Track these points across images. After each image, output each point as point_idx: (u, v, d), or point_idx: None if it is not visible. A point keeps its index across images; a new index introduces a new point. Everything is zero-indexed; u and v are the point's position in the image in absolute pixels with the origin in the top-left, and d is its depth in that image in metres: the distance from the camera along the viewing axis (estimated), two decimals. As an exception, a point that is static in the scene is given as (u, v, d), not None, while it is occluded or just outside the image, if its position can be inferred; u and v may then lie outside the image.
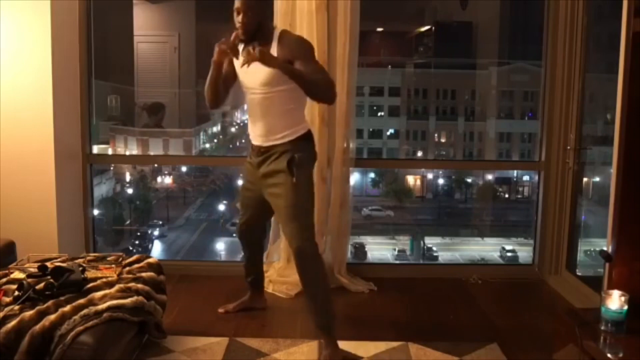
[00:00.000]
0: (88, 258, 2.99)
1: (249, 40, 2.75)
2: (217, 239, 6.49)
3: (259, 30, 2.76)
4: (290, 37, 2.84)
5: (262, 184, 2.92)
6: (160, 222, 6.53)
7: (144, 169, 6.50)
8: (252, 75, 2.78)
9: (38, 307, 2.33)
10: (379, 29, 6.28)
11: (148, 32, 5.80)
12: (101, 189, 5.67)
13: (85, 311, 2.34)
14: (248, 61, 2.58)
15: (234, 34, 2.73)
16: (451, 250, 6.62)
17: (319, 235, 3.72)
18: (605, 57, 3.95)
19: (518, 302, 3.74)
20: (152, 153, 6.11)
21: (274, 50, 2.74)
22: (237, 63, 2.82)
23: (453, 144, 6.78)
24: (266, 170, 2.88)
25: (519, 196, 6.64)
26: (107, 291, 2.54)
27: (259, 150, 2.90)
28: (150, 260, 2.98)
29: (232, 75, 2.93)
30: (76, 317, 2.30)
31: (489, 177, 6.72)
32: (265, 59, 2.59)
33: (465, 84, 6.55)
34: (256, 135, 2.91)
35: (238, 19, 2.74)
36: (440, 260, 6.32)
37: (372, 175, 6.85)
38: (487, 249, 6.57)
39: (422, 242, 6.57)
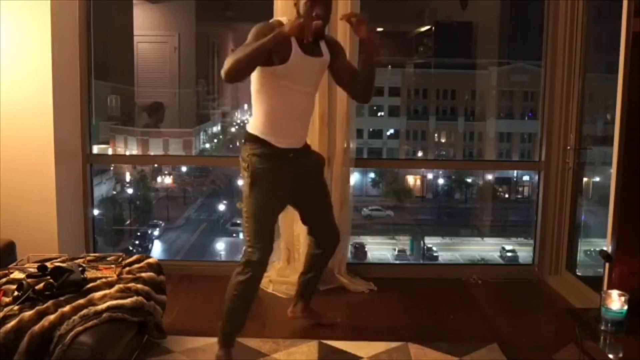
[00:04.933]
0: (88, 258, 2.99)
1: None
2: (217, 239, 6.49)
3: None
4: (330, 36, 2.93)
5: (297, 184, 2.78)
6: (161, 222, 6.54)
7: (144, 169, 6.50)
8: (310, 73, 2.68)
9: (37, 307, 2.33)
10: (379, 29, 6.27)
11: (148, 32, 5.81)
12: (101, 189, 5.67)
13: (84, 311, 2.33)
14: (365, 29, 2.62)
15: (315, 23, 2.52)
16: (451, 250, 6.62)
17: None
18: (605, 57, 3.95)
19: (518, 302, 3.74)
20: (152, 153, 6.11)
21: (323, 47, 2.73)
22: (296, 53, 2.57)
23: (453, 144, 6.78)
24: (302, 169, 2.77)
25: (519, 196, 6.64)
26: (106, 291, 2.54)
27: (287, 152, 2.70)
28: (150, 260, 2.98)
29: (268, 59, 2.54)
30: (76, 317, 2.30)
31: (489, 177, 6.71)
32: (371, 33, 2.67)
33: (465, 84, 6.55)
34: (290, 137, 2.71)
35: (316, 11, 2.57)
36: (440, 260, 6.32)
37: (372, 175, 6.85)
38: (487, 249, 6.57)
39: (422, 242, 6.58)
